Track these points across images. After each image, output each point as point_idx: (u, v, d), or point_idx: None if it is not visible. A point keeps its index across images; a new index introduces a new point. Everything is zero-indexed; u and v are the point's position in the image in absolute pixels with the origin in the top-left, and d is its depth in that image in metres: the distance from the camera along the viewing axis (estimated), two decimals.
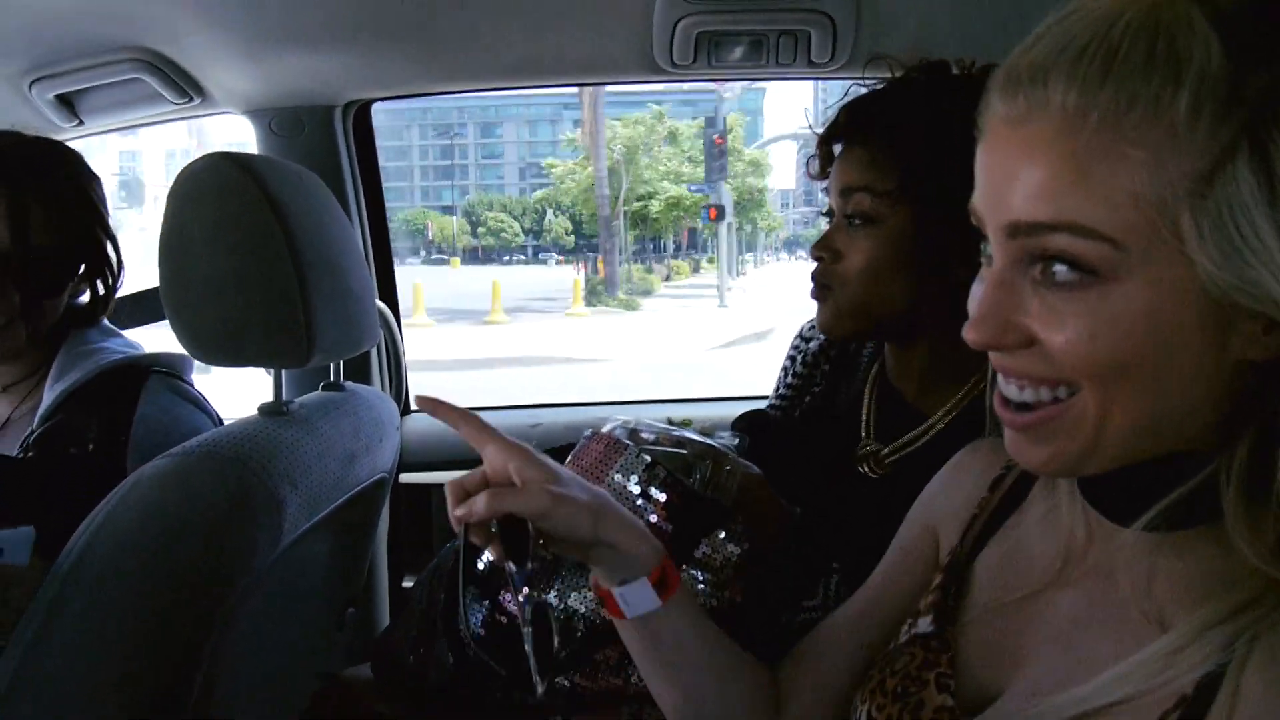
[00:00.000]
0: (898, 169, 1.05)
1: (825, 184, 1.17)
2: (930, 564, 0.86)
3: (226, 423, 1.26)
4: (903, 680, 0.75)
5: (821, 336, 1.33)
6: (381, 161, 1.83)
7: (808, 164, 1.20)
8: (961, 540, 0.84)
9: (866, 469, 1.15)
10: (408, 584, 1.79)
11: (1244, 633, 0.56)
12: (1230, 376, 0.57)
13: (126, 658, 0.93)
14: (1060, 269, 0.56)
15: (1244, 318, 0.55)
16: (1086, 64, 0.53)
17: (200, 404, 1.36)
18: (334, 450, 1.22)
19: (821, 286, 1.13)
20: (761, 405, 1.40)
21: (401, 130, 53.93)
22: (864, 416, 1.21)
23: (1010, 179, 0.57)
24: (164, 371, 1.33)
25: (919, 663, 0.75)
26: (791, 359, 1.38)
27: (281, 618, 1.25)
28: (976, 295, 0.65)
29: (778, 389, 1.38)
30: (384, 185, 1.86)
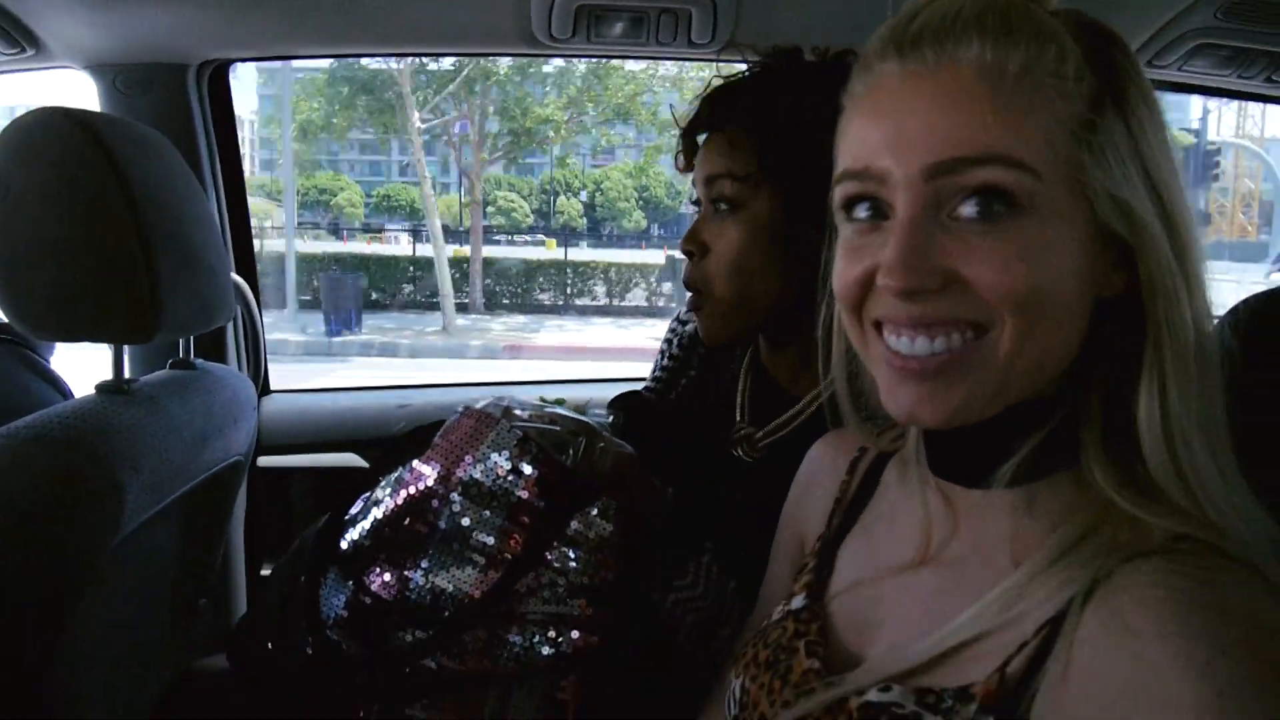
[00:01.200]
0: (756, 152, 1.05)
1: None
2: (800, 562, 0.88)
3: None
4: (775, 651, 0.77)
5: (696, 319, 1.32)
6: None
7: (675, 157, 1.20)
8: (828, 524, 0.87)
9: (740, 452, 1.16)
10: (266, 571, 1.71)
11: (1084, 574, 0.59)
12: (1088, 316, 0.63)
13: None
14: (985, 205, 0.60)
15: (1108, 250, 0.62)
16: (992, 21, 0.60)
17: (54, 381, 1.26)
18: (181, 431, 1.15)
19: (695, 293, 1.13)
20: (637, 387, 1.40)
21: None
22: (739, 400, 1.22)
23: (925, 124, 0.61)
24: (10, 341, 1.22)
25: (790, 634, 0.77)
26: (669, 341, 1.37)
27: (127, 610, 1.17)
28: (840, 268, 0.68)
29: (654, 371, 1.38)
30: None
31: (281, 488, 1.71)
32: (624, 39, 1.50)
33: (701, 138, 1.14)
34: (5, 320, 1.22)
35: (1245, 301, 0.82)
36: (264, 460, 1.68)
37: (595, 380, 2.00)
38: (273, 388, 1.84)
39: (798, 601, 0.81)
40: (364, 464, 1.69)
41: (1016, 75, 0.59)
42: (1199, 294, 0.62)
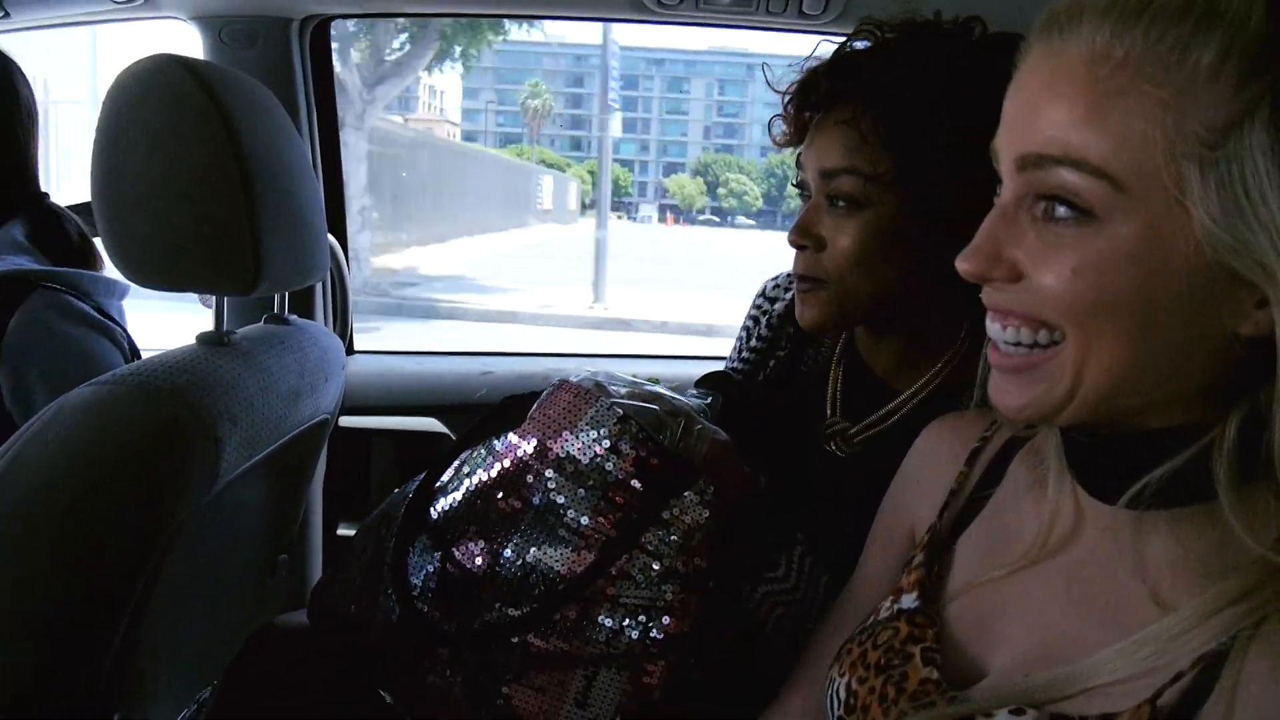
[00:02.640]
0: (892, 152, 0.97)
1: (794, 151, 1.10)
2: (906, 555, 0.84)
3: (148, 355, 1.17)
4: (886, 653, 0.73)
5: (788, 297, 1.26)
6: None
7: (770, 127, 1.11)
8: (940, 516, 0.82)
9: (833, 447, 1.11)
10: (343, 532, 1.72)
11: (1248, 618, 0.54)
12: (1218, 348, 0.56)
13: (44, 601, 0.85)
14: (1059, 208, 0.56)
15: (1237, 287, 0.54)
16: (1124, 2, 0.54)
17: (103, 328, 1.26)
18: (278, 387, 1.14)
19: (809, 280, 1.05)
20: (720, 366, 1.35)
21: (583, 77, 53.28)
22: (831, 391, 1.16)
23: (1032, 111, 0.58)
24: (55, 288, 1.23)
25: (903, 636, 0.74)
26: (755, 319, 1.29)
27: (212, 563, 1.17)
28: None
29: (739, 351, 1.30)
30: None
31: (361, 449, 1.71)
32: (734, 8, 1.45)
33: (813, 116, 1.06)
34: (54, 269, 1.24)
35: None
36: (345, 420, 1.68)
37: (680, 357, 1.97)
38: (357, 348, 1.85)
39: (909, 600, 0.77)
40: (444, 429, 1.68)
41: (1123, 66, 0.53)
42: None
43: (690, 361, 1.92)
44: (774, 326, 1.25)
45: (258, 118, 1.10)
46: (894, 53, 1.00)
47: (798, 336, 1.24)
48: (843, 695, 0.74)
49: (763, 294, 1.30)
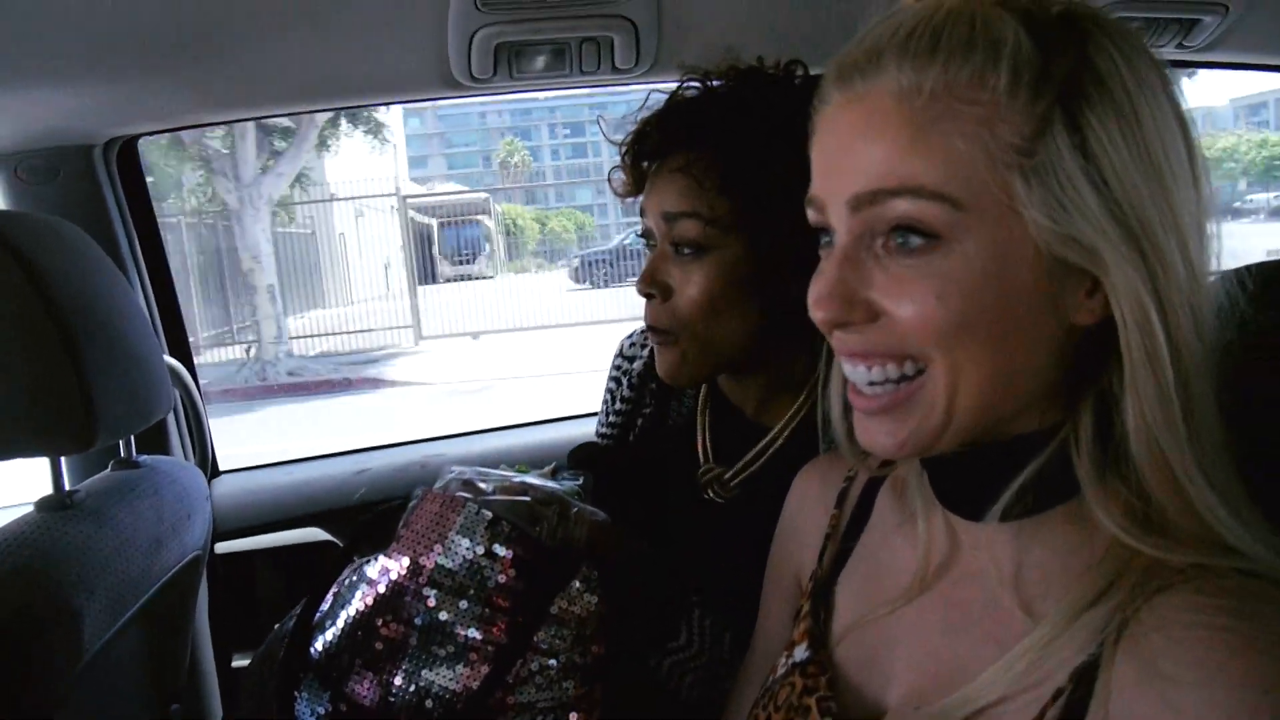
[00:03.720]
0: (727, 194, 0.98)
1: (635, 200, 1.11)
2: (796, 606, 0.84)
3: None
4: (786, 713, 0.74)
5: (645, 354, 1.27)
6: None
7: (609, 179, 1.12)
8: (819, 561, 0.83)
9: (712, 494, 1.12)
10: (238, 663, 1.63)
11: (1112, 619, 0.56)
12: (1063, 344, 0.59)
13: None
14: (904, 238, 0.58)
15: (1070, 279, 0.58)
16: (915, 43, 0.57)
17: None
18: (135, 540, 1.08)
19: (660, 332, 1.05)
20: (589, 426, 1.34)
21: (530, 130, 53.45)
22: (700, 439, 1.17)
23: (850, 154, 0.60)
24: None
25: (799, 690, 0.74)
26: (617, 380, 1.29)
27: None
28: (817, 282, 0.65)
29: (605, 415, 1.30)
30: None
31: (244, 573, 1.63)
32: (547, 72, 1.45)
33: (650, 165, 1.07)
34: None
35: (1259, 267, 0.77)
36: (222, 546, 1.60)
37: (552, 420, 1.94)
38: (221, 468, 1.76)
39: (800, 653, 0.77)
40: (329, 537, 1.62)
41: (934, 98, 0.57)
42: (1183, 319, 0.57)
43: (568, 423, 1.90)
44: (635, 386, 1.25)
45: (66, 258, 1.04)
46: (721, 99, 1.03)
47: (661, 391, 1.24)
48: None
49: (620, 354, 1.30)
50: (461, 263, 17.81)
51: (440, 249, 17.94)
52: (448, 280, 16.85)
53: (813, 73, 1.05)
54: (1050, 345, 0.60)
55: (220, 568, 1.60)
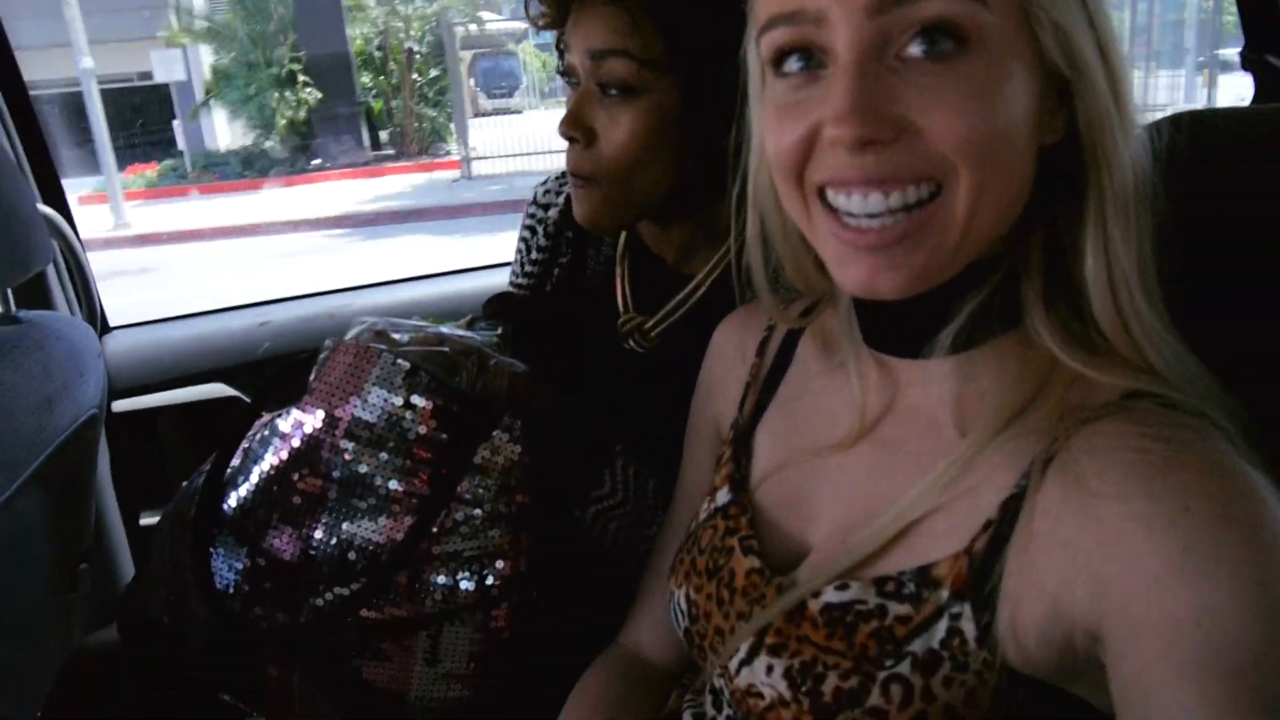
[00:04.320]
0: (664, 33, 0.91)
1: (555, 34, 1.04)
2: (718, 450, 0.85)
3: None
4: (710, 555, 0.75)
5: (560, 201, 1.21)
6: None
7: (526, 6, 1.01)
8: (740, 409, 0.83)
9: (632, 344, 1.10)
10: (146, 521, 1.59)
11: (1041, 438, 0.58)
12: (1034, 163, 0.60)
13: None
14: (932, 43, 0.55)
15: (1051, 93, 0.59)
16: None
17: None
18: (23, 400, 1.02)
19: (580, 178, 0.99)
20: (502, 277, 1.29)
21: None
22: (620, 287, 1.14)
23: None
24: None
25: (721, 532, 0.75)
26: (531, 229, 1.23)
27: (5, 595, 1.06)
28: (775, 130, 0.61)
29: (521, 265, 1.24)
30: None
31: (147, 431, 1.57)
32: None
33: None
34: None
35: (1171, 120, 0.78)
36: (121, 404, 1.53)
37: (461, 271, 1.88)
38: (112, 324, 1.66)
39: (722, 496, 0.78)
40: (233, 392, 1.56)
41: None
42: (1133, 134, 0.60)
43: (478, 273, 1.84)
44: (551, 234, 1.21)
45: None
46: None
47: (578, 239, 1.20)
48: (684, 606, 0.75)
49: (534, 201, 1.24)
50: (500, 96, 16.93)
51: (477, 82, 16.97)
52: (484, 115, 16.05)
53: None
54: (1030, 164, 0.60)
55: (121, 426, 1.53)
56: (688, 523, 0.84)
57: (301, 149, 13.74)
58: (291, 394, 0.92)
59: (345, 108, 13.41)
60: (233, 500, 0.88)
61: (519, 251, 1.26)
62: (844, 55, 0.56)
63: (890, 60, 0.56)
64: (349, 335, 0.93)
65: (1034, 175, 0.60)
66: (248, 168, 13.78)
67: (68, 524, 1.24)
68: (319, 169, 13.48)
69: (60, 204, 1.51)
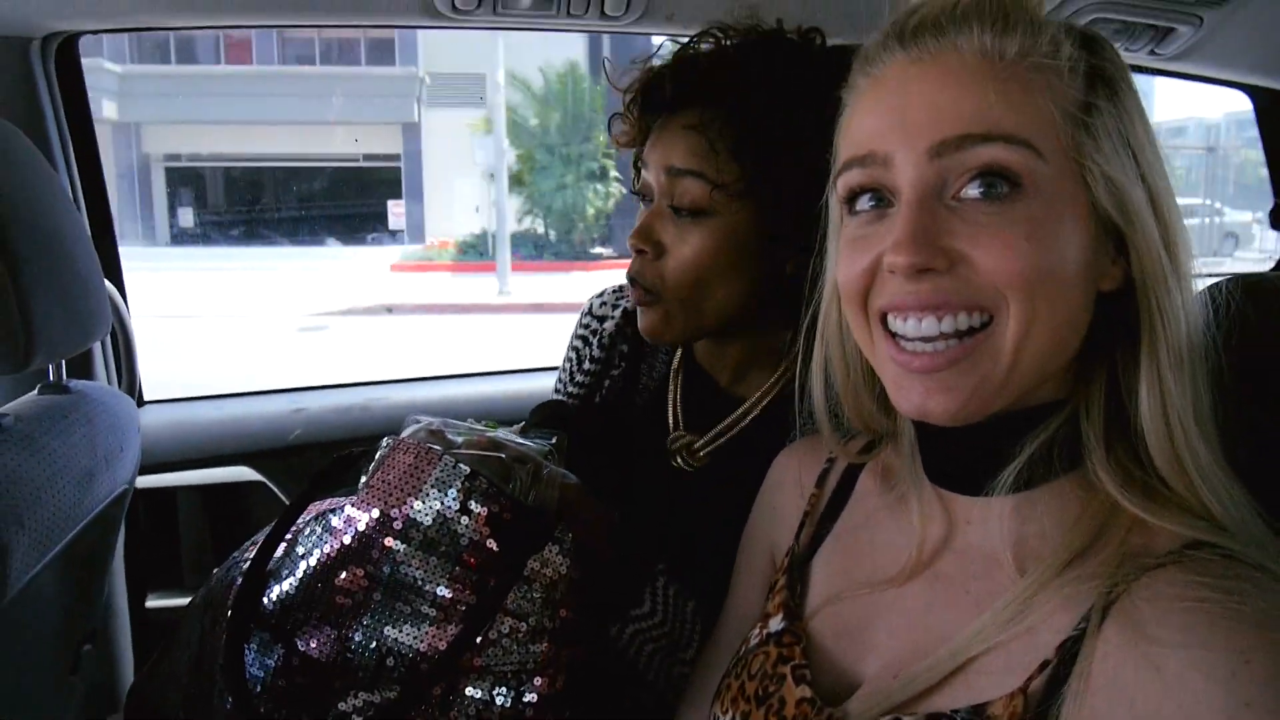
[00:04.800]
0: (739, 160, 0.94)
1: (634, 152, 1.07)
2: (770, 582, 0.85)
3: None
4: (761, 681, 0.74)
5: (616, 314, 1.23)
6: None
7: (610, 125, 1.07)
8: (797, 539, 0.83)
9: (680, 462, 1.10)
10: (153, 603, 1.54)
11: (1101, 581, 0.59)
12: (1091, 309, 0.63)
13: None
14: (988, 185, 0.60)
15: (1105, 243, 0.62)
16: (993, 12, 0.62)
17: None
18: (68, 471, 1.00)
19: (644, 290, 1.01)
20: (539, 382, 1.30)
21: None
22: (672, 404, 1.14)
23: (928, 106, 0.62)
24: None
25: (774, 659, 0.74)
26: (584, 339, 1.24)
27: (7, 674, 1.02)
28: (845, 261, 0.67)
29: (571, 375, 1.25)
30: None
31: (165, 509, 1.54)
32: (533, 11, 1.39)
33: (656, 117, 1.01)
34: None
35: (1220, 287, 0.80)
36: (144, 480, 1.51)
37: (504, 372, 1.89)
38: (147, 398, 1.66)
39: (775, 624, 0.77)
40: (259, 477, 1.54)
41: (1015, 58, 0.61)
42: (1187, 286, 0.63)
43: (518, 376, 1.85)
44: (606, 346, 1.22)
45: (7, 165, 0.96)
46: (743, 57, 0.98)
47: (633, 353, 1.21)
48: None
49: (589, 312, 1.25)
50: None
51: None
52: None
53: (829, 43, 1.01)
54: (1088, 307, 0.63)
55: (141, 501, 1.51)
56: (734, 646, 0.82)
57: (599, 238, 15.41)
58: (338, 487, 0.91)
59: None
60: (274, 593, 0.85)
61: (568, 360, 1.26)
62: (906, 193, 0.62)
63: (949, 199, 0.62)
64: (405, 433, 0.92)
65: (1090, 318, 0.64)
66: (538, 250, 15.56)
67: (79, 603, 1.21)
68: (610, 257, 14.91)
69: (117, 278, 1.53)
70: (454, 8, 1.35)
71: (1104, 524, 0.62)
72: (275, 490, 1.50)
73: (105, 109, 18.57)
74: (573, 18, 1.40)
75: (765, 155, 0.94)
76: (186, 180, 19.93)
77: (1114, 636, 0.56)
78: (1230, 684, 0.50)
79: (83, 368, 1.43)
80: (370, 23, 1.48)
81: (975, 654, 0.62)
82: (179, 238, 19.15)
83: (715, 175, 0.95)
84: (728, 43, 1.00)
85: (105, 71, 18.88)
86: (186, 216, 19.79)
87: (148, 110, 19.14)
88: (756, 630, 0.79)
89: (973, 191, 0.61)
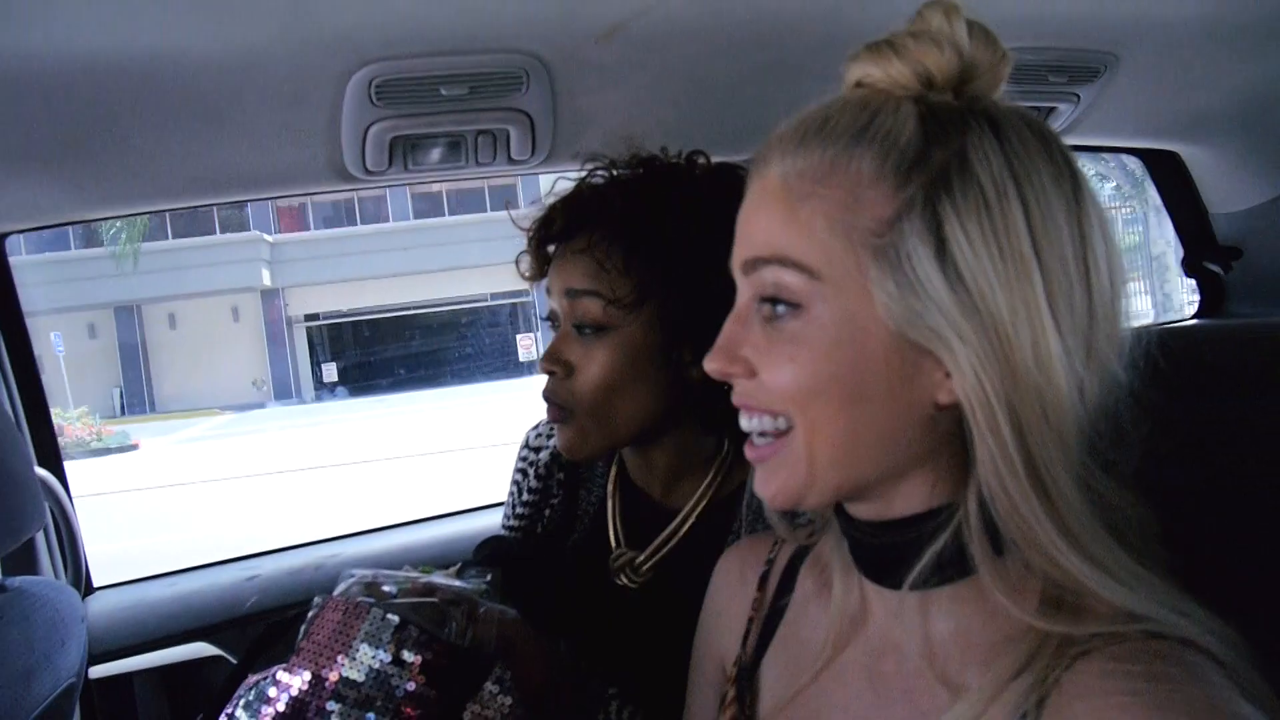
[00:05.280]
0: (630, 274, 1.01)
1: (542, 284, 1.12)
2: (722, 689, 0.83)
3: None
4: None
5: (550, 443, 1.26)
6: None
7: (517, 263, 1.14)
8: (743, 646, 0.83)
9: (625, 580, 1.10)
10: None
11: (1030, 694, 0.58)
12: (926, 418, 0.62)
13: None
14: (774, 304, 0.63)
15: (924, 358, 0.61)
16: (801, 131, 0.64)
17: None
18: (3, 671, 0.99)
19: (558, 408, 1.07)
20: (493, 519, 1.30)
21: None
22: (611, 524, 1.16)
23: (747, 223, 0.66)
24: None
25: None
26: (523, 473, 1.28)
27: None
28: None
29: (512, 507, 1.28)
30: None
31: (124, 697, 1.50)
32: (442, 164, 1.45)
33: (551, 247, 1.09)
34: None
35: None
36: (98, 670, 1.47)
37: (455, 513, 1.88)
38: (95, 585, 1.63)
39: None
40: (218, 651, 1.51)
41: (805, 175, 0.62)
42: (1029, 408, 0.58)
43: (471, 514, 1.85)
44: (543, 475, 1.24)
45: None
46: (625, 184, 1.06)
47: (570, 480, 1.23)
48: None
49: (526, 444, 1.29)
50: None
51: None
52: None
53: (713, 161, 1.09)
54: (910, 419, 0.62)
55: (95, 694, 1.47)
56: None
57: None
58: (280, 653, 0.90)
59: None
60: None
61: (510, 494, 1.28)
62: (737, 302, 0.68)
63: (761, 312, 0.65)
64: (338, 590, 0.92)
65: (932, 428, 0.62)
66: None
67: None
68: None
69: (56, 465, 1.53)
70: (366, 170, 1.41)
71: (1035, 643, 0.60)
72: (234, 663, 1.47)
73: (263, 277, 20.72)
74: (481, 165, 1.46)
75: (652, 267, 1.00)
76: (326, 337, 21.84)
77: None
78: None
79: (25, 562, 1.42)
80: (291, 193, 1.54)
81: None
82: (323, 392, 21.18)
83: (609, 292, 1.01)
84: (614, 173, 1.07)
85: (262, 243, 20.90)
86: (330, 372, 21.55)
87: (290, 275, 21.01)
88: None
89: (765, 309, 0.64)
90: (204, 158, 1.38)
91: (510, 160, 1.47)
